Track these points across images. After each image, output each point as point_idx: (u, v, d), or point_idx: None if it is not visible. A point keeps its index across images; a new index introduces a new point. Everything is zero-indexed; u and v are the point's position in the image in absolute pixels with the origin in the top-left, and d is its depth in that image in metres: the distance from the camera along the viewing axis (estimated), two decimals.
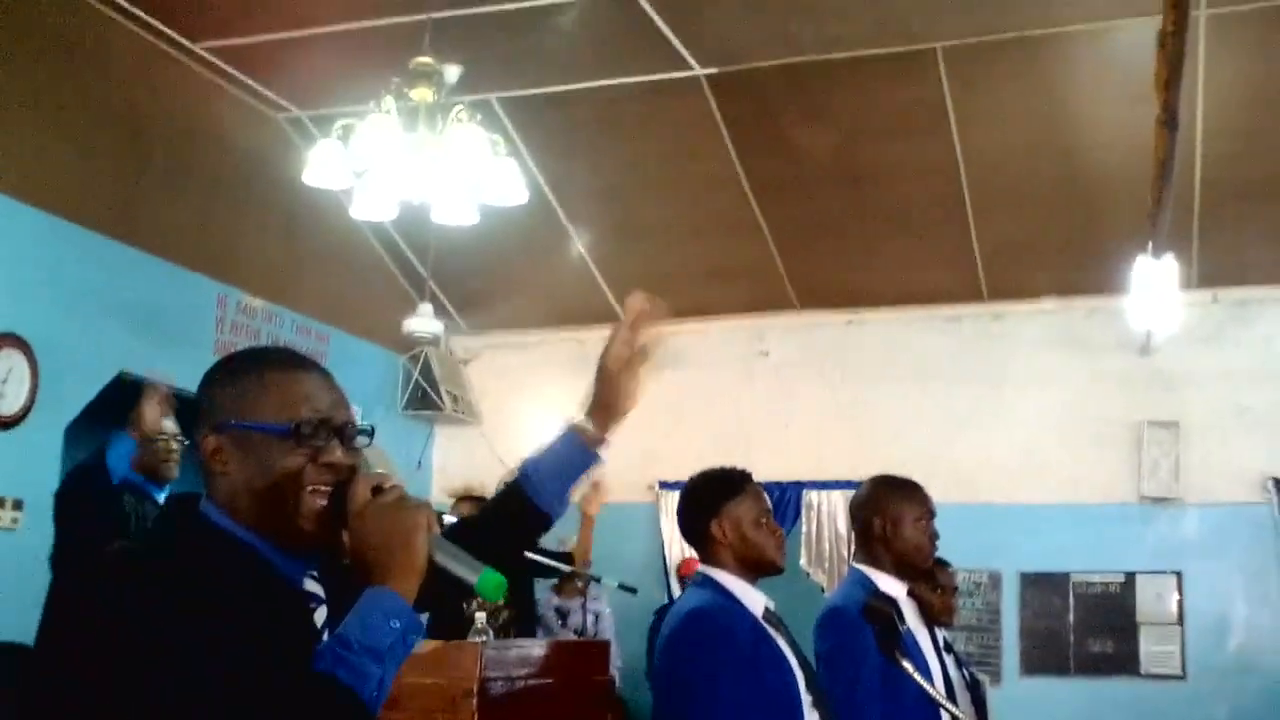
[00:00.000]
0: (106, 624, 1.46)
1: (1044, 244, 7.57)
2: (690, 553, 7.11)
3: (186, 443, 4.74)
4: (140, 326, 6.55)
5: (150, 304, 6.63)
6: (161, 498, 4.74)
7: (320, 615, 1.71)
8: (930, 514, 3.42)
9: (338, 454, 1.66)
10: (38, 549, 5.59)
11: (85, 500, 4.37)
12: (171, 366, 6.79)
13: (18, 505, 5.68)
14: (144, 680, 1.42)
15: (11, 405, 5.66)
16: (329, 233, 7.58)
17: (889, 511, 3.36)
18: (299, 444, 1.63)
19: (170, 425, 4.67)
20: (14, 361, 5.80)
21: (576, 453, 1.80)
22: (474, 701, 3.75)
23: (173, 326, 6.81)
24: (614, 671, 5.59)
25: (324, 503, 1.63)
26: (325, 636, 1.67)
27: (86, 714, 1.44)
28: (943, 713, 3.24)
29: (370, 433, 1.74)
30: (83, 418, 6.34)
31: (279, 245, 7.45)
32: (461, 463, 9.14)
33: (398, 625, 1.55)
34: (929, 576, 4.20)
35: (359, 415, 1.78)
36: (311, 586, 1.72)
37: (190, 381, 6.02)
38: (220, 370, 1.73)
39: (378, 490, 1.63)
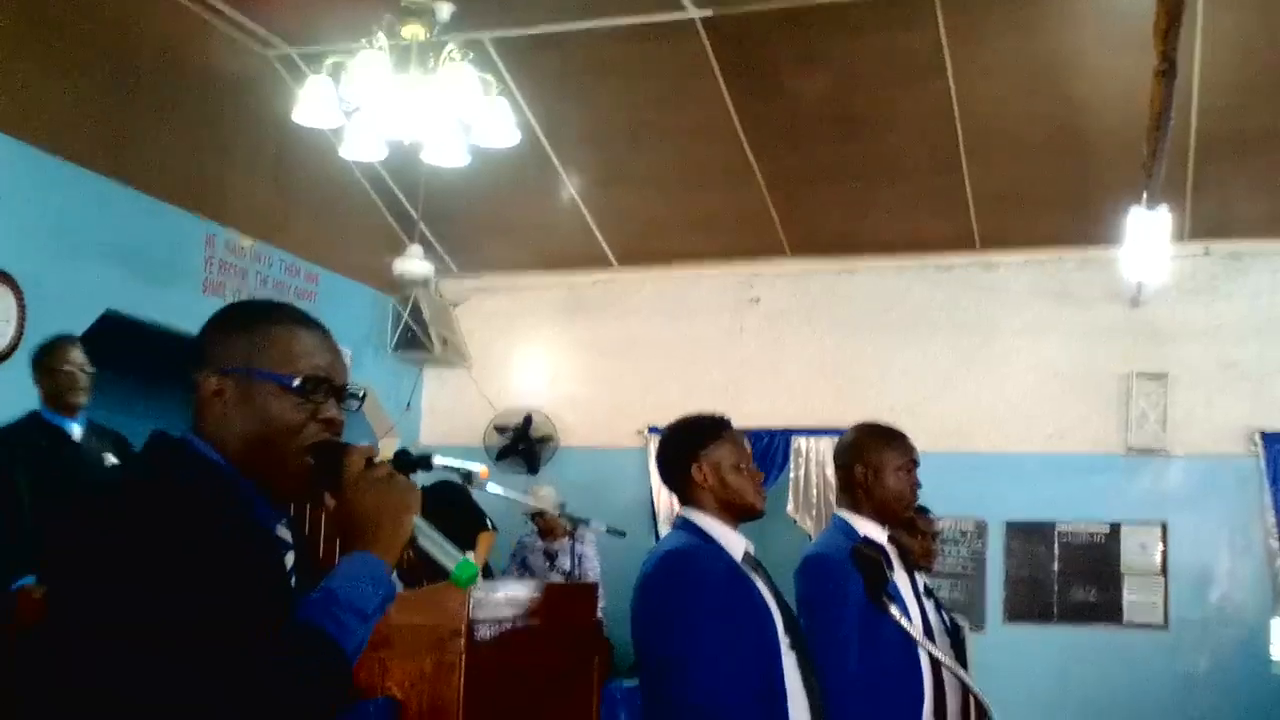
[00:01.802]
0: (114, 553, 1.50)
1: (1038, 194, 7.55)
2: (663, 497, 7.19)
3: (93, 371, 4.83)
4: (128, 264, 6.51)
5: (138, 242, 6.59)
6: (75, 428, 4.76)
7: (288, 561, 1.74)
8: (913, 462, 3.43)
9: (334, 412, 1.73)
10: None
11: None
12: (160, 305, 6.78)
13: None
14: (150, 606, 1.47)
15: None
16: (319, 172, 7.52)
17: (871, 459, 3.37)
18: (301, 398, 1.69)
19: (78, 356, 4.78)
20: (1, 298, 5.77)
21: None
22: (461, 642, 3.77)
23: (161, 265, 6.78)
24: (600, 613, 5.62)
25: (312, 461, 1.69)
26: (293, 580, 1.73)
27: (93, 644, 1.49)
28: (923, 656, 3.27)
29: (361, 399, 1.82)
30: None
31: (268, 184, 7.40)
32: (450, 405, 9.15)
33: (381, 592, 1.63)
34: (909, 524, 4.23)
35: (349, 357, 1.81)
36: (282, 533, 1.76)
37: (179, 320, 6.09)
38: (229, 315, 1.80)
39: (369, 463, 1.69)
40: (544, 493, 7.70)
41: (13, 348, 5.79)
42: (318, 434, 1.70)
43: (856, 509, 3.38)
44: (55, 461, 4.61)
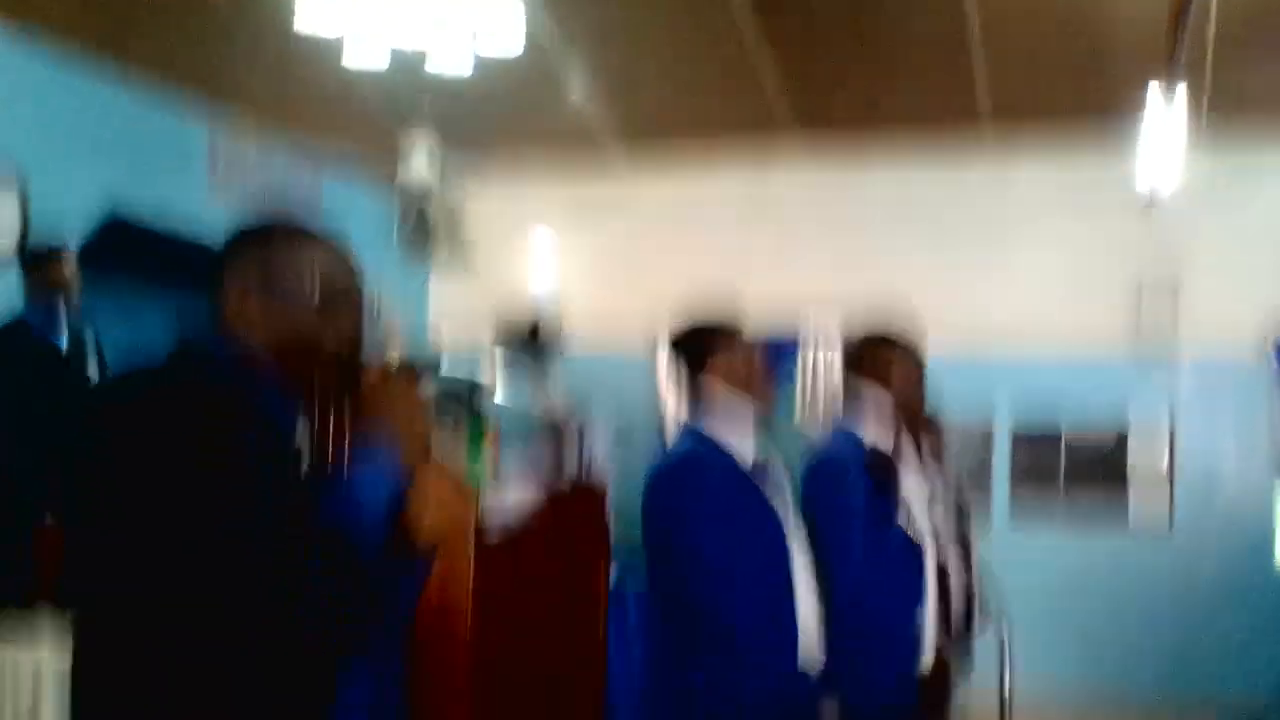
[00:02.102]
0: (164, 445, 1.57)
1: (1053, 94, 7.42)
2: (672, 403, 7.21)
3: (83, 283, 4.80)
4: (133, 165, 6.46)
5: (143, 144, 6.53)
6: (63, 341, 4.75)
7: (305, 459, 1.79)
8: (921, 368, 3.41)
9: (351, 321, 1.80)
10: None
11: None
12: (165, 205, 6.73)
13: None
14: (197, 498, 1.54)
15: (2, 244, 5.60)
16: (326, 68, 7.39)
17: (879, 364, 3.35)
18: (321, 308, 1.76)
19: (70, 267, 4.81)
20: (2, 199, 5.72)
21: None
22: (470, 545, 3.79)
23: (166, 166, 6.72)
24: (610, 517, 5.64)
25: (334, 367, 1.76)
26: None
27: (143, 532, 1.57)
28: (927, 559, 3.28)
29: (379, 311, 1.84)
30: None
31: (274, 81, 7.27)
32: (457, 309, 9.13)
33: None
34: (916, 429, 4.21)
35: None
36: (299, 435, 1.82)
37: (182, 220, 6.05)
38: (244, 234, 1.83)
39: (385, 376, 1.78)
40: (557, 396, 7.70)
41: (15, 249, 5.75)
42: (335, 343, 1.76)
43: (863, 414, 3.36)
44: (44, 382, 4.56)
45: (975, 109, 7.75)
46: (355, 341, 1.81)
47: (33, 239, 5.84)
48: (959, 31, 7.00)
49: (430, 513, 1.71)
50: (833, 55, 7.62)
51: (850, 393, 3.43)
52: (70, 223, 6.16)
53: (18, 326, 4.69)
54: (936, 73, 7.54)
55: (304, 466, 1.76)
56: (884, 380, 3.34)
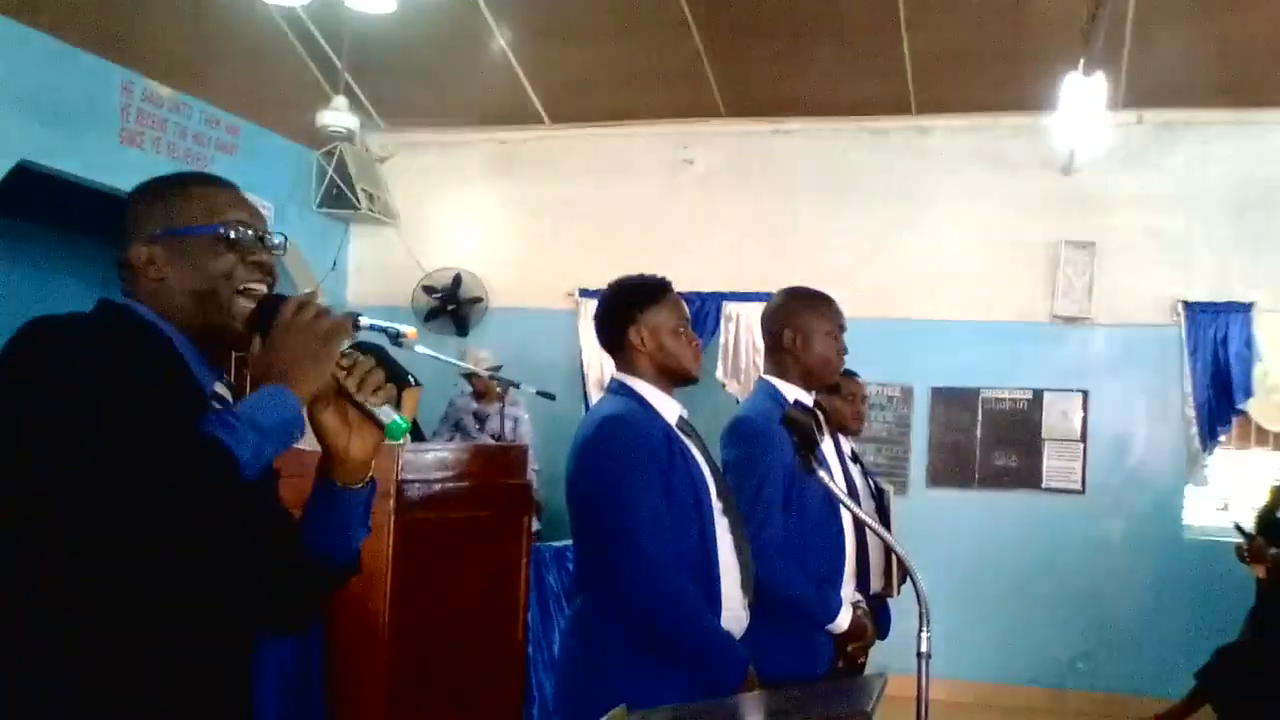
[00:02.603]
0: (32, 367, 1.58)
1: (975, 58, 7.46)
2: (593, 359, 7.22)
3: None
4: (43, 114, 6.28)
5: (52, 91, 6.35)
6: None
7: None
8: (840, 328, 3.42)
9: (263, 255, 1.79)
10: None
11: None
12: (76, 156, 6.56)
13: None
14: (53, 420, 1.54)
15: None
16: (240, 19, 7.23)
17: (799, 323, 3.35)
18: (228, 246, 1.76)
19: None
20: None
21: (336, 495, 1.72)
22: (391, 503, 3.76)
23: (77, 115, 6.54)
24: (532, 475, 5.63)
25: (252, 305, 1.74)
26: None
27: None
28: (846, 518, 3.31)
29: (284, 245, 1.85)
30: None
31: (188, 31, 7.10)
32: (377, 264, 9.02)
33: (283, 415, 1.65)
34: (834, 388, 4.24)
35: (271, 212, 1.81)
36: (220, 390, 1.80)
37: (96, 172, 5.92)
38: (144, 189, 1.84)
39: (301, 309, 1.73)
40: (482, 354, 7.66)
41: None
42: (248, 276, 1.76)
43: (783, 373, 3.37)
44: None
45: (904, 94, 7.78)
46: (266, 267, 1.79)
47: None
48: (888, 15, 7.02)
49: (290, 342, 1.68)
50: (757, 46, 7.61)
51: (770, 351, 3.44)
52: None
53: None
54: (863, 60, 7.56)
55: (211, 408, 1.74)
56: (804, 339, 3.35)
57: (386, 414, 1.73)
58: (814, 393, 3.42)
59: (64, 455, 1.51)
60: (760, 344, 8.00)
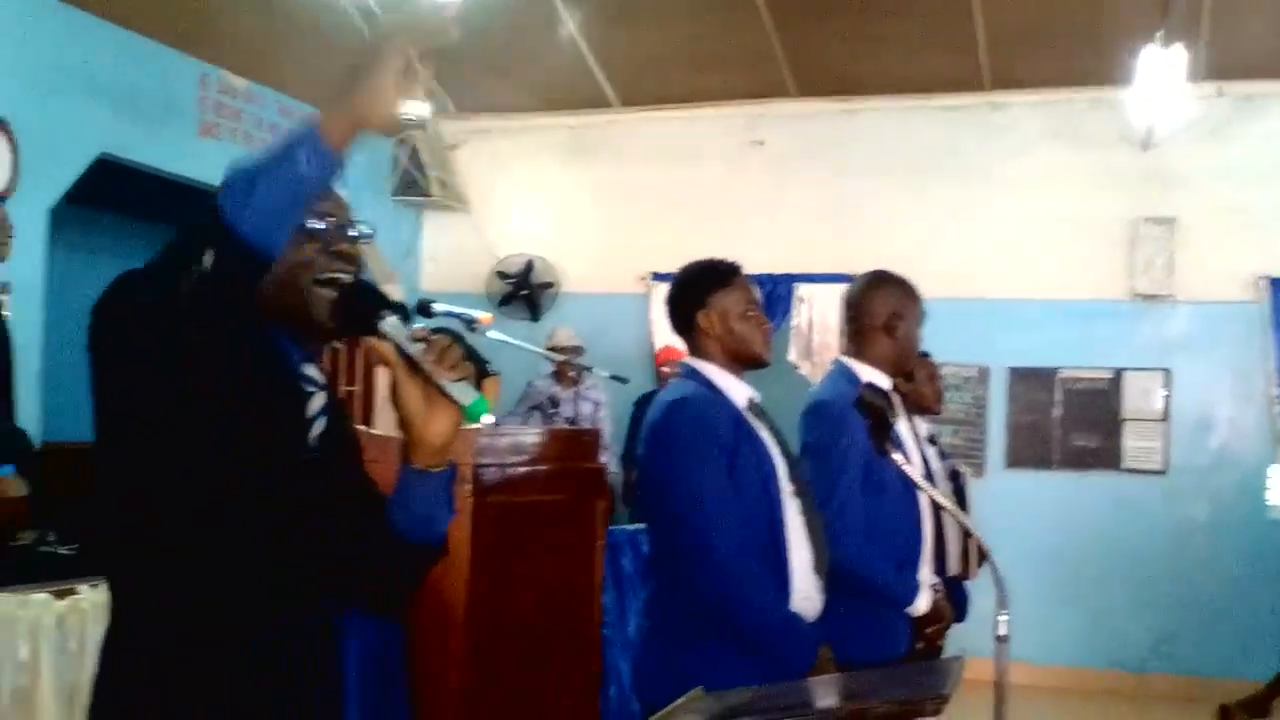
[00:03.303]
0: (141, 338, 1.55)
1: (1049, 31, 7.35)
2: (669, 343, 7.22)
3: None
4: (122, 107, 6.39)
5: (131, 84, 6.46)
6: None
7: (318, 401, 1.78)
8: (921, 314, 3.40)
9: (346, 245, 1.76)
10: (24, 332, 5.59)
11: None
12: (155, 148, 6.67)
13: (3, 289, 5.63)
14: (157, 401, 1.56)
15: None
16: (311, 9, 7.30)
17: (882, 307, 3.33)
18: (308, 236, 1.72)
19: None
20: None
21: (418, 478, 1.71)
22: (468, 487, 3.80)
23: (154, 107, 6.65)
24: (606, 459, 5.66)
25: (333, 294, 1.72)
26: (320, 423, 1.77)
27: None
28: (924, 501, 3.28)
29: (370, 235, 1.82)
30: (66, 200, 6.25)
31: (261, 22, 7.18)
32: (451, 251, 9.09)
33: (303, 161, 1.52)
34: (909, 373, 4.21)
35: (347, 201, 1.82)
36: (310, 371, 1.79)
37: (174, 163, 6.00)
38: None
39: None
40: (563, 334, 7.69)
41: (7, 193, 5.71)
42: (328, 266, 1.73)
43: (861, 356, 3.35)
44: None
45: (977, 70, 7.67)
46: (349, 257, 1.76)
47: (23, 182, 5.80)
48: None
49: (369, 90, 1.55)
50: (827, 25, 7.54)
51: (851, 333, 3.41)
52: (62, 166, 6.13)
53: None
54: (935, 36, 7.46)
55: (312, 398, 1.77)
56: (886, 322, 3.32)
57: (465, 393, 1.70)
58: (889, 376, 3.40)
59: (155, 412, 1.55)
60: (833, 325, 8.01)
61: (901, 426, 3.33)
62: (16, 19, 5.79)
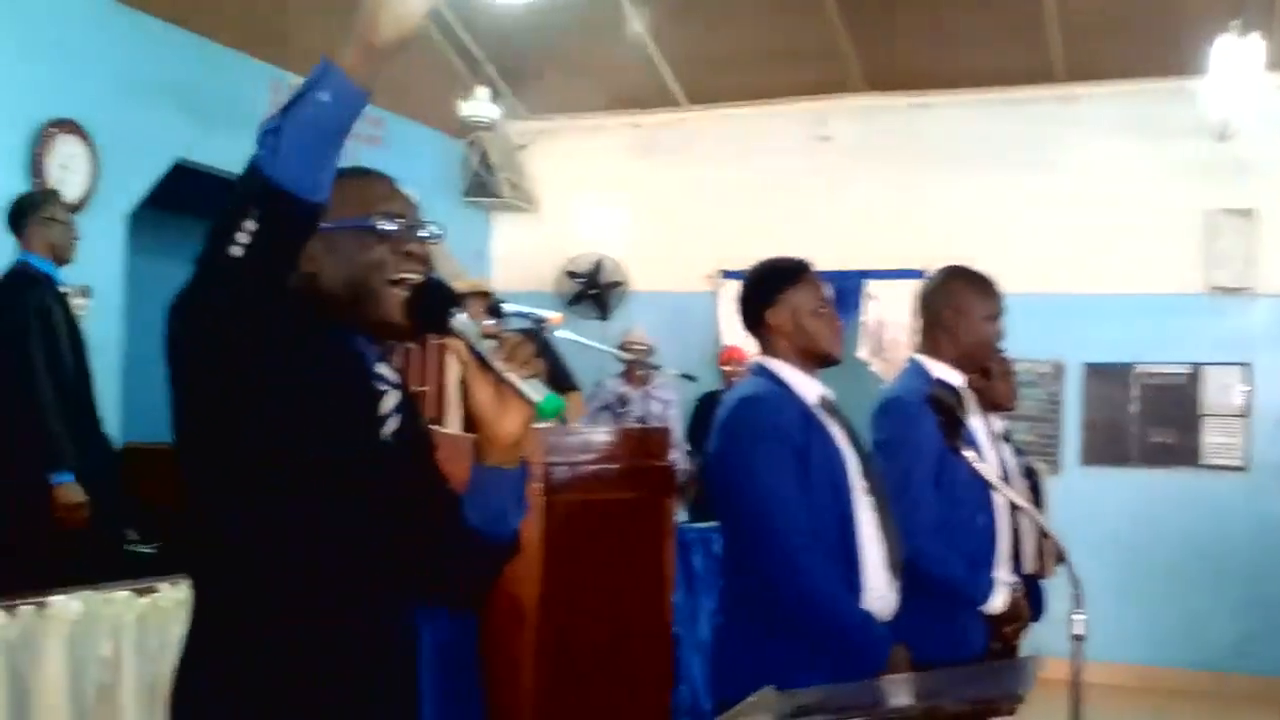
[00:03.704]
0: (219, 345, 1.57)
1: (1123, 21, 7.23)
2: (735, 342, 7.20)
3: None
4: (196, 113, 6.49)
5: (204, 90, 6.56)
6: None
7: (391, 400, 1.79)
8: (1000, 311, 3.35)
9: (417, 246, 1.75)
10: (104, 335, 5.70)
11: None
12: (229, 153, 6.77)
13: (85, 293, 5.74)
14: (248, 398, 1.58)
15: (73, 192, 5.66)
16: None
17: (957, 304, 3.28)
18: (379, 238, 1.73)
19: (66, 212, 4.74)
20: (73, 148, 5.79)
21: (490, 477, 1.71)
22: (539, 486, 3.82)
23: (228, 112, 6.74)
24: (676, 457, 5.65)
25: (406, 294, 1.71)
26: (394, 421, 1.78)
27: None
28: (998, 499, 3.25)
29: (440, 234, 1.81)
30: (144, 205, 6.37)
31: (331, 27, 7.24)
32: (520, 251, 9.14)
33: (324, 97, 1.49)
34: (985, 370, 4.16)
35: (418, 203, 1.82)
36: (383, 370, 1.80)
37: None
38: None
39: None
40: (637, 333, 7.70)
41: (87, 199, 5.83)
42: (400, 267, 1.72)
43: (935, 353, 3.31)
44: (67, 324, 4.55)
45: (1049, 62, 7.57)
46: (419, 258, 1.75)
47: (101, 189, 5.92)
48: None
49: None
50: (896, 18, 7.48)
51: (925, 330, 3.38)
52: (138, 172, 6.25)
53: (35, 276, 4.52)
54: (1006, 28, 7.37)
55: (385, 396, 1.78)
56: (963, 320, 3.28)
57: (536, 390, 1.68)
58: (964, 374, 3.36)
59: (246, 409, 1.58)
60: (903, 321, 7.94)
61: (976, 424, 3.29)
62: (95, 28, 5.91)
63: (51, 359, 4.42)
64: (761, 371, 2.93)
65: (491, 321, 1.71)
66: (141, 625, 3.33)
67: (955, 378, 3.26)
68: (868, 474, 2.85)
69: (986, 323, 3.30)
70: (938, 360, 3.29)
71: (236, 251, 1.45)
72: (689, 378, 6.26)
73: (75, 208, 5.69)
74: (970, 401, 3.32)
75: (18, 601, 3.08)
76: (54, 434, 4.36)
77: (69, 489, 4.36)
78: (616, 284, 8.89)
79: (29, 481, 4.36)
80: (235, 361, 1.56)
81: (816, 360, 2.93)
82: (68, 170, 5.73)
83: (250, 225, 1.45)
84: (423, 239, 1.78)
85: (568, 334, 4.96)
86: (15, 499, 4.37)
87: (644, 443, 4.70)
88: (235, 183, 1.49)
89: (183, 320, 1.58)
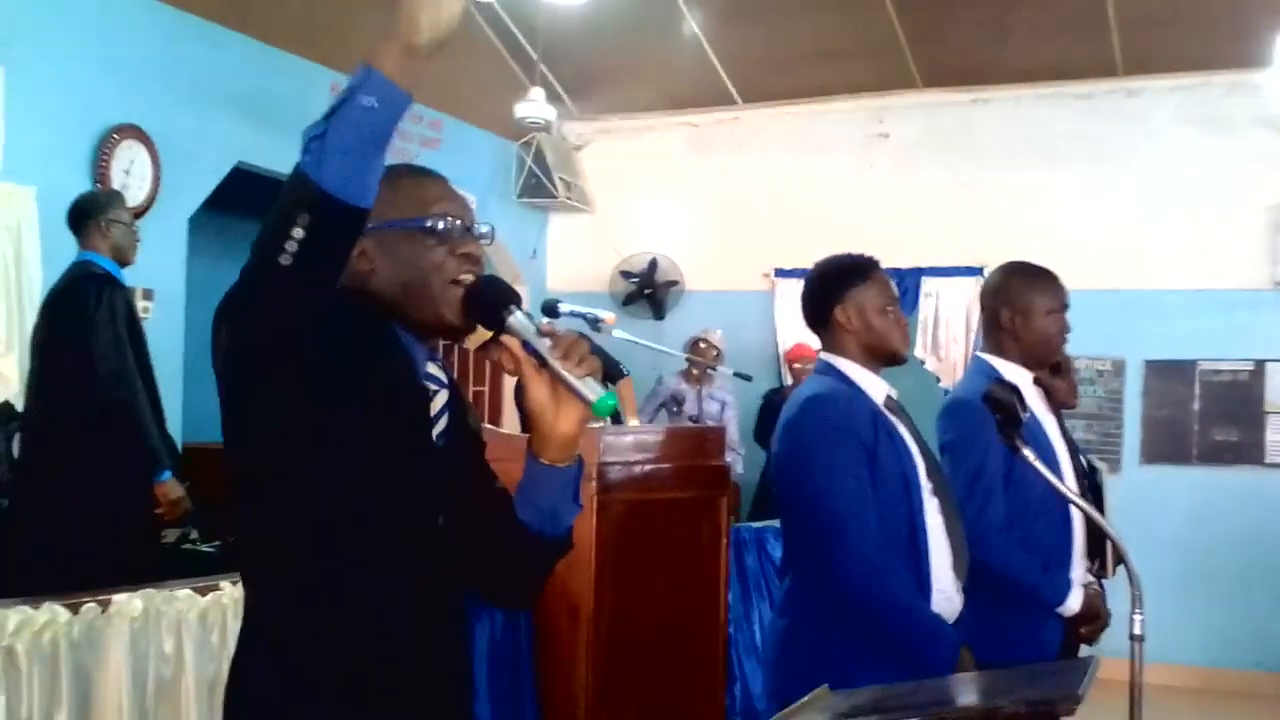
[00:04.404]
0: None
1: (1186, 13, 7.13)
2: (801, 339, 7.19)
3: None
4: (256, 118, 6.57)
5: (265, 94, 6.64)
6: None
7: (440, 399, 1.80)
8: (1063, 306, 3.29)
9: (472, 246, 1.76)
10: (166, 337, 5.79)
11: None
12: (288, 156, 6.85)
13: (147, 295, 5.83)
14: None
15: (136, 196, 5.75)
16: None
17: (1019, 301, 3.23)
18: (438, 238, 1.73)
19: (129, 214, 4.78)
20: (136, 153, 5.88)
21: (544, 474, 1.71)
22: (593, 485, 3.82)
23: (288, 117, 6.81)
24: (733, 456, 5.66)
25: (461, 293, 1.72)
26: (444, 421, 1.79)
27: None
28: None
29: (491, 234, 1.83)
30: (204, 208, 6.45)
31: (388, 30, 7.33)
32: (575, 251, 9.17)
33: (368, 101, 1.48)
34: (1056, 368, 4.09)
35: (473, 204, 1.82)
36: (433, 370, 1.81)
37: None
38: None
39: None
40: (716, 337, 7.71)
41: (150, 203, 5.92)
42: (458, 269, 1.73)
43: (1000, 351, 3.27)
44: (131, 324, 4.60)
45: (1110, 55, 7.47)
46: (474, 259, 1.76)
47: (164, 193, 6.00)
48: None
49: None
50: (954, 13, 7.41)
51: (987, 328, 3.34)
52: (201, 177, 6.33)
53: (99, 277, 4.55)
54: (1066, 22, 7.28)
55: (435, 395, 1.78)
56: (1024, 317, 3.24)
57: (592, 388, 1.68)
58: (1031, 372, 3.31)
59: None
60: (961, 319, 7.90)
61: (1047, 423, 3.25)
62: (158, 35, 6.00)
63: (141, 361, 4.51)
64: (828, 370, 2.91)
65: (547, 320, 1.71)
66: (202, 623, 3.38)
67: (1021, 375, 3.22)
68: (933, 473, 2.83)
69: (1049, 318, 3.24)
70: (1003, 358, 3.25)
71: (286, 260, 1.45)
72: (744, 377, 6.25)
73: (139, 212, 5.78)
74: (1037, 399, 3.27)
75: (82, 599, 3.14)
76: (151, 434, 4.46)
77: (171, 485, 4.45)
78: (671, 283, 8.89)
79: (131, 479, 4.45)
80: (286, 364, 1.57)
81: (883, 359, 2.91)
82: (131, 175, 5.82)
83: (299, 233, 1.45)
84: (477, 238, 1.79)
85: (622, 334, 4.97)
86: (117, 496, 4.45)
87: (699, 442, 4.70)
88: (281, 189, 1.49)
89: (232, 326, 1.58)
